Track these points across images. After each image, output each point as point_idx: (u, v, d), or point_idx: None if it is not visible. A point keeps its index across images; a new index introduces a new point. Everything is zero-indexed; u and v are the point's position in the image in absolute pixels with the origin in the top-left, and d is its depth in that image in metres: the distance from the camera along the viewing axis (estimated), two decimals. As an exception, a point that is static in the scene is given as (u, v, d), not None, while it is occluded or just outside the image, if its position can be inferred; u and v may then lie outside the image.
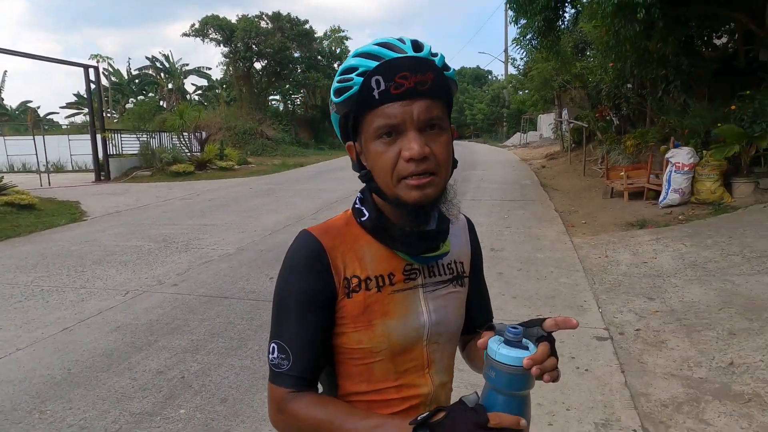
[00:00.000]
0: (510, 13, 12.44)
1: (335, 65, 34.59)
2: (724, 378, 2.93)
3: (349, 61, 0.77)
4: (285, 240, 6.87)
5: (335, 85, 0.78)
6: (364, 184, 0.84)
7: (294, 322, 0.79)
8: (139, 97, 33.68)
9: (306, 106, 36.23)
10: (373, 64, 0.73)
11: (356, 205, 0.85)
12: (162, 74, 36.99)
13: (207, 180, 15.19)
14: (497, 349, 0.67)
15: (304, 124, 33.54)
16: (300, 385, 0.79)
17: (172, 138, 18.71)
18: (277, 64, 30.58)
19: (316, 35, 32.62)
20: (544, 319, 0.74)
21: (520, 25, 13.00)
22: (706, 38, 9.52)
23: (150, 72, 37.31)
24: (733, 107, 7.27)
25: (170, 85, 36.43)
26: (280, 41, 29.25)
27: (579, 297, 4.41)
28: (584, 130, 13.28)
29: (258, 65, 31.53)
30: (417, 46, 0.75)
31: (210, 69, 39.94)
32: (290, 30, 30.20)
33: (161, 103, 32.26)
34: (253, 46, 29.36)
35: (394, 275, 0.82)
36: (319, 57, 33.25)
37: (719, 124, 7.11)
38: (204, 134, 20.16)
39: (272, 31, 29.74)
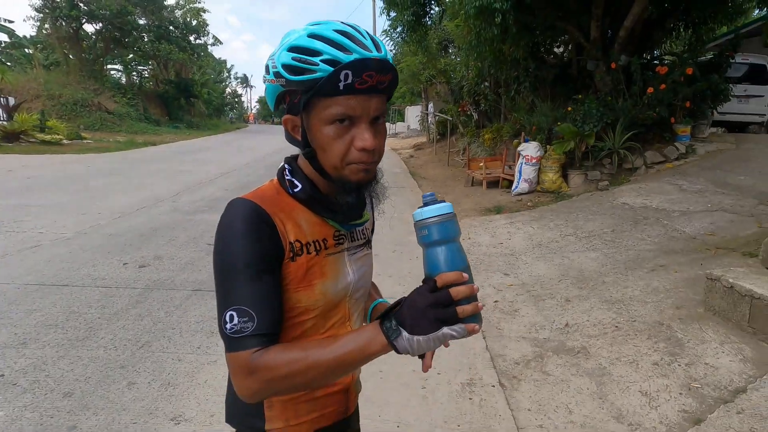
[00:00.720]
0: (379, 3, 12.75)
1: (191, 38, 31.79)
2: (561, 337, 3.38)
3: (307, 42, 0.78)
4: (141, 223, 6.27)
5: (288, 60, 0.78)
6: (290, 158, 0.92)
7: (250, 285, 0.79)
8: None
9: (157, 80, 32.72)
10: (343, 55, 0.76)
11: (287, 177, 0.89)
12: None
13: (22, 155, 13.01)
14: (421, 211, 0.76)
15: (155, 100, 29.99)
16: (267, 342, 0.78)
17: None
18: (117, 30, 26.75)
19: (166, 3, 29.46)
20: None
21: (390, 18, 13.43)
22: (548, 46, 10.80)
23: None
24: (569, 108, 8.37)
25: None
26: (120, 4, 25.37)
27: (446, 275, 4.74)
28: (448, 123, 14.20)
29: (90, 28, 27.28)
30: (376, 44, 0.79)
31: (12, 22, 32.59)
32: (132, -8, 26.46)
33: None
34: (81, 5, 25.01)
35: (326, 240, 0.89)
36: (172, 27, 30.14)
37: (559, 123, 8.12)
38: (12, 100, 17.10)
39: (108, -10, 25.89)
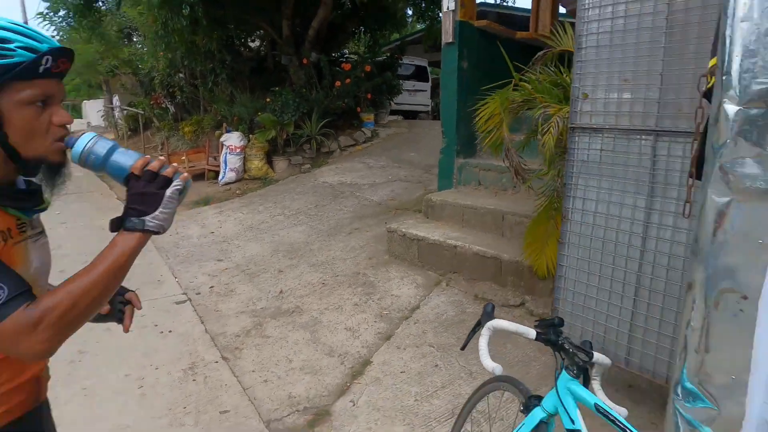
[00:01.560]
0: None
1: None
2: (277, 303, 3.60)
3: None
4: None
5: None
6: None
7: None
8: None
9: None
10: (37, 44, 0.83)
11: None
12: None
13: None
14: (75, 148, 0.87)
15: None
16: (29, 296, 0.80)
17: None
18: None
19: None
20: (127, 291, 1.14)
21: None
22: (243, 40, 10.99)
23: None
24: (268, 100, 8.75)
25: None
26: None
27: (155, 273, 4.42)
28: (140, 117, 12.90)
29: None
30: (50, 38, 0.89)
31: None
32: None
33: None
34: None
35: (11, 230, 0.87)
36: None
37: (260, 113, 8.42)
38: None
39: None
